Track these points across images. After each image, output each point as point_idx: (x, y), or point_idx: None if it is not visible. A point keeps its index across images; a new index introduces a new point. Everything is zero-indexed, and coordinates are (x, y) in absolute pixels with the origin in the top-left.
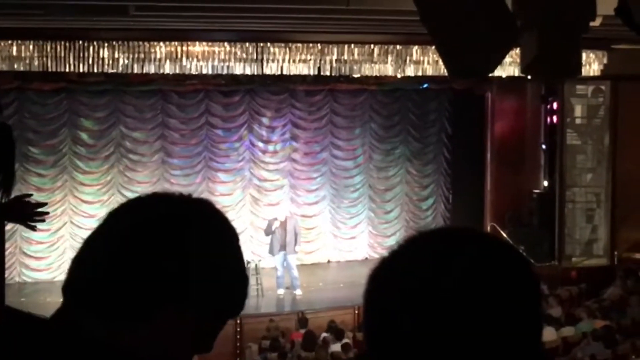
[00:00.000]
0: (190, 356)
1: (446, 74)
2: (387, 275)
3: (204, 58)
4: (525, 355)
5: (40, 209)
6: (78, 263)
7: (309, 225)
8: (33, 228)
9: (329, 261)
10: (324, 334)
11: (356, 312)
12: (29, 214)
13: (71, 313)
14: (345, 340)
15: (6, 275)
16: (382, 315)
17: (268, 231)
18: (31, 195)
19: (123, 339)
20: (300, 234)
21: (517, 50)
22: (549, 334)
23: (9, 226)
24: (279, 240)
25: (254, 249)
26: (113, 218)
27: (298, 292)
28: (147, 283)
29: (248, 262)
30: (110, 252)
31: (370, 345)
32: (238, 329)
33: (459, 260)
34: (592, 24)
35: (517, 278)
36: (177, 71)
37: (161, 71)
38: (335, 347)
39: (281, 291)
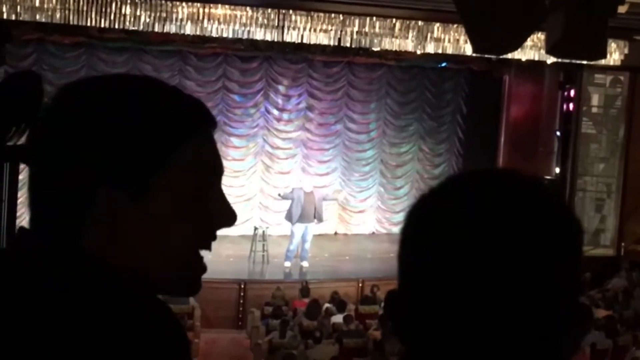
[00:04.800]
0: None
1: (466, 53)
2: (424, 211)
3: (225, 21)
4: (567, 302)
5: None
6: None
7: None
8: None
9: (336, 233)
10: (327, 305)
11: (360, 285)
12: None
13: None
14: (347, 312)
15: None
16: (417, 252)
17: (288, 197)
18: None
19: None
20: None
21: (539, 35)
22: None
23: (21, 176)
24: (303, 211)
25: (262, 215)
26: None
27: (305, 264)
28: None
29: (256, 229)
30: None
31: (402, 284)
32: (242, 294)
33: (501, 199)
34: (619, 9)
35: (560, 225)
36: (198, 33)
37: (182, 32)
38: (337, 318)
39: (288, 264)
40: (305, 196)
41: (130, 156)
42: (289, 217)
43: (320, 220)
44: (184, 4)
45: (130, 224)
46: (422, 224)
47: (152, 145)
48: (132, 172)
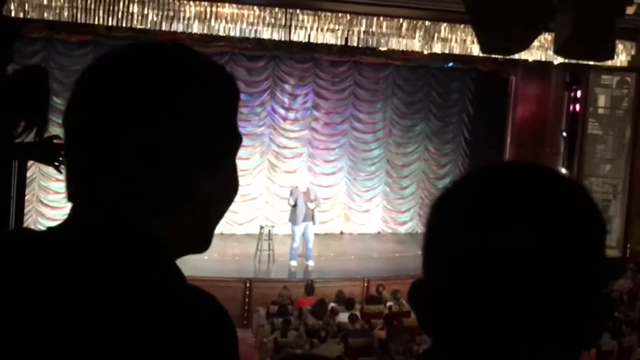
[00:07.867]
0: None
1: (473, 53)
2: (452, 203)
3: (232, 20)
4: (595, 292)
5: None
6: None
7: (325, 195)
8: (58, 168)
9: (341, 232)
10: (332, 304)
11: (365, 284)
12: (56, 154)
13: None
14: (352, 312)
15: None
16: (446, 243)
17: (292, 201)
18: (60, 137)
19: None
20: (319, 204)
21: (546, 35)
22: None
23: (28, 173)
24: (303, 211)
25: (268, 214)
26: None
27: (310, 263)
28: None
29: (262, 228)
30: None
31: (429, 276)
32: (247, 293)
33: (532, 191)
34: (627, 10)
35: (590, 216)
36: (205, 31)
37: (189, 31)
38: (342, 318)
39: (294, 263)
40: (304, 195)
41: (221, 145)
42: (292, 219)
43: (313, 221)
44: (191, 2)
45: (202, 204)
46: (450, 217)
47: (232, 135)
48: (222, 156)
